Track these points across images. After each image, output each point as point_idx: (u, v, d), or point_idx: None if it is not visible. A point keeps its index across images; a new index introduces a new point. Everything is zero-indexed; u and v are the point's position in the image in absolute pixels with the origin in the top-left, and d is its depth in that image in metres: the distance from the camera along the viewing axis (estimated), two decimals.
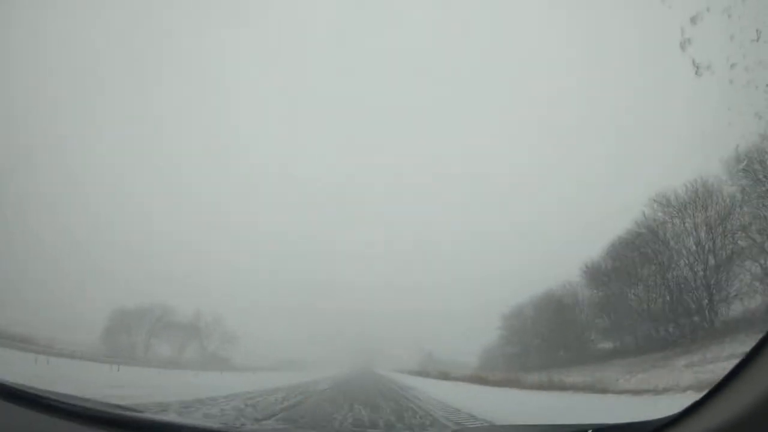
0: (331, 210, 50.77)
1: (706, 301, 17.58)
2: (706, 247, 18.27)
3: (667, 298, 19.13)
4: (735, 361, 1.52)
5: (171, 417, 3.34)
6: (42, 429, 2.36)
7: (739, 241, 17.17)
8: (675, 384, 10.28)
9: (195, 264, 38.42)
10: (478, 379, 22.81)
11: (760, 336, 1.46)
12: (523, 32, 49.80)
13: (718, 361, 11.55)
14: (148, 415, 3.23)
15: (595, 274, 23.00)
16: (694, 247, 18.58)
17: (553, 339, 25.55)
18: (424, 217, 46.39)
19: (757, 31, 3.57)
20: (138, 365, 25.87)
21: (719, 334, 14.80)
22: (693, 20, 3.29)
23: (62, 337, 25.90)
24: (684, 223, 18.98)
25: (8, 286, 26.88)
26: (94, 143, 41.91)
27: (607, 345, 22.29)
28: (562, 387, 14.63)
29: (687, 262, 18.78)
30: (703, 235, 18.23)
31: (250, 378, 23.58)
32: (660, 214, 19.76)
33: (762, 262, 16.32)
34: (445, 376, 27.34)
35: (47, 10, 43.99)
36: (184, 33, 56.35)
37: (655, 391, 10.26)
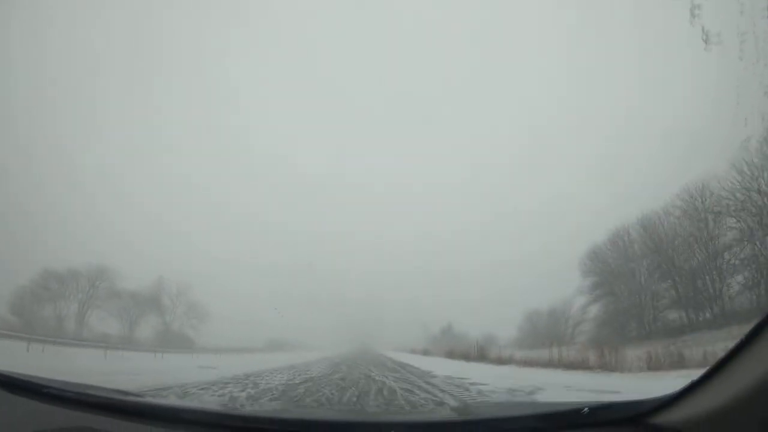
0: (324, 189, 50.07)
1: None
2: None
3: None
4: (733, 342, 1.54)
5: (171, 401, 3.40)
6: (39, 417, 2.36)
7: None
8: None
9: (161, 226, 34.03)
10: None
11: (759, 318, 1.47)
12: (522, 23, 49.15)
13: None
14: (148, 399, 3.27)
15: None
16: None
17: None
18: (423, 200, 46.18)
19: None
20: (66, 344, 20.42)
21: None
22: None
23: None
24: None
25: None
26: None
27: None
28: None
29: None
30: None
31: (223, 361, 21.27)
32: None
33: None
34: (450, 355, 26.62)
35: (48, 9, 42.82)
36: (185, 30, 55.21)
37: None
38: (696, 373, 1.69)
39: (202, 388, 8.27)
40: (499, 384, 10.59)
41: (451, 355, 26.82)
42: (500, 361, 20.39)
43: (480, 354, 23.92)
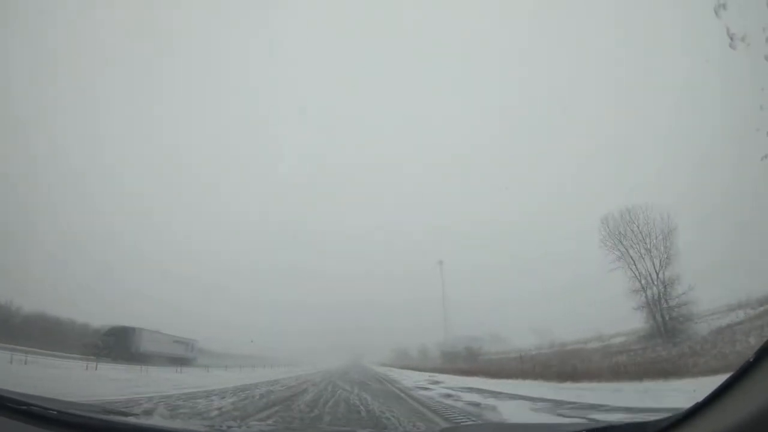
0: (323, 201, 51.24)
1: None
2: None
3: None
4: (742, 362, 1.53)
5: (156, 420, 3.37)
6: None
7: None
8: None
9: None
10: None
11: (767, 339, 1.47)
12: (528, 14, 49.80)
13: None
14: (132, 420, 3.22)
15: None
16: None
17: None
18: (422, 211, 47.19)
19: None
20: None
21: None
22: None
23: None
24: None
25: None
26: None
27: None
28: None
29: None
30: None
31: None
32: None
33: None
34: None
35: (51, 9, 43.01)
36: (176, 34, 55.61)
37: None
38: (701, 395, 1.69)
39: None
40: None
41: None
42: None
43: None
